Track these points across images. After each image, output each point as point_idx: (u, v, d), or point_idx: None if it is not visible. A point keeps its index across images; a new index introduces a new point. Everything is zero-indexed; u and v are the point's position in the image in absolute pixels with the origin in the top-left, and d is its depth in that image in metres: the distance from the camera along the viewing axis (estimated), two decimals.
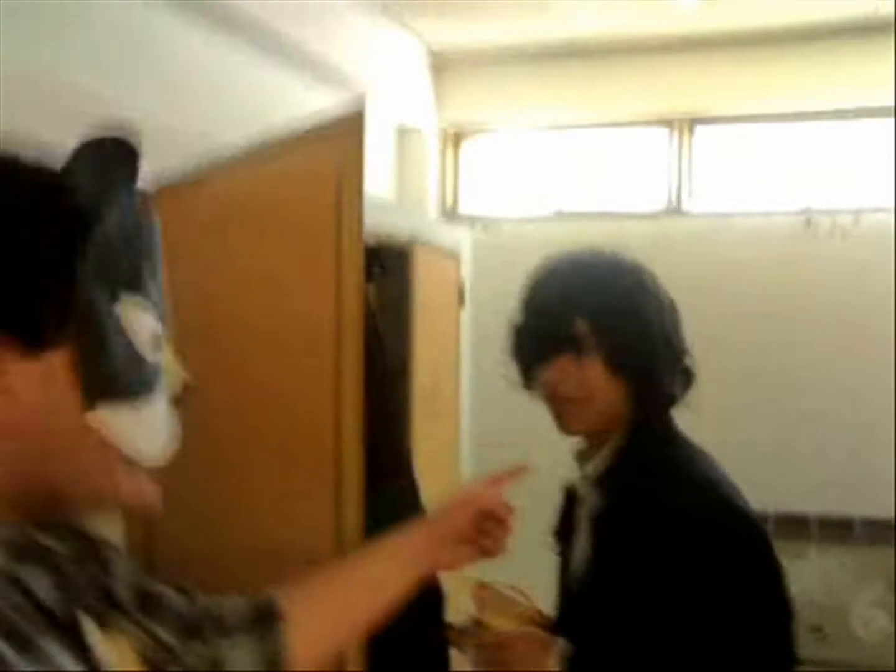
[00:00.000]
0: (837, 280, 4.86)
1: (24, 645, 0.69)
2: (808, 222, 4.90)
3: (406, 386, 3.93)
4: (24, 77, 2.54)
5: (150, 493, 0.81)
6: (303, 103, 3.71)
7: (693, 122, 5.22)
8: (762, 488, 2.10)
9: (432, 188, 5.44)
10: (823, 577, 4.51)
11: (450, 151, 5.60)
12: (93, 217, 0.75)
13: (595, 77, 5.21)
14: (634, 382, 1.47)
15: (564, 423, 1.53)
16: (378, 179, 5.05)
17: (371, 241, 3.83)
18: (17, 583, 0.73)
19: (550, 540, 1.68)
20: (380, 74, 4.77)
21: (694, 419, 1.58)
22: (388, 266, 2.85)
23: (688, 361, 1.55)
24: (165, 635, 1.02)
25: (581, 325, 1.46)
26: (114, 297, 0.76)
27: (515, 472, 1.33)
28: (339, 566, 1.27)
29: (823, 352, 4.86)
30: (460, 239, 5.08)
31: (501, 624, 1.53)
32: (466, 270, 4.97)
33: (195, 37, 3.47)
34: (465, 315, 4.92)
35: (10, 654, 0.66)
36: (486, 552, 1.26)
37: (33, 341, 0.72)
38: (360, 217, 1.96)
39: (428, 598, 1.49)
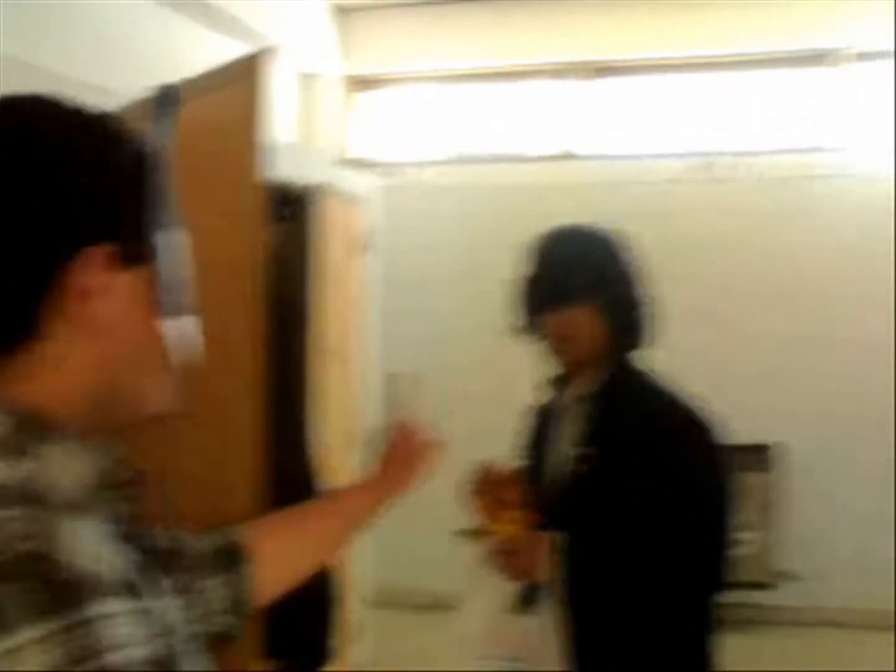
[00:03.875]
0: (734, 219, 5.03)
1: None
2: (706, 166, 5.03)
3: (310, 336, 3.92)
4: None
5: (175, 401, 0.90)
6: (206, 54, 3.65)
7: (595, 71, 5.29)
8: None
9: (336, 134, 5.41)
10: None
11: (354, 98, 5.56)
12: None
13: (498, 24, 5.24)
14: (620, 323, 1.85)
15: (562, 355, 1.89)
16: (282, 125, 4.98)
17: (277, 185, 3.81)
18: None
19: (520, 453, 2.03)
20: (283, 21, 4.70)
21: None
22: (296, 209, 2.80)
23: (651, 310, 1.91)
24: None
25: (582, 280, 1.81)
26: (172, 224, 0.87)
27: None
28: (296, 514, 1.34)
29: (715, 287, 5.03)
30: (363, 185, 5.06)
31: (504, 530, 1.75)
32: (371, 215, 4.96)
33: None
34: (369, 261, 4.92)
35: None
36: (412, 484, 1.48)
37: (132, 254, 0.81)
38: (261, 159, 1.98)
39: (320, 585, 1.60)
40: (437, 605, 4.42)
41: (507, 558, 1.75)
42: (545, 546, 1.73)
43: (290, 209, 3.89)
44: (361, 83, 5.56)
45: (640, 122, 5.30)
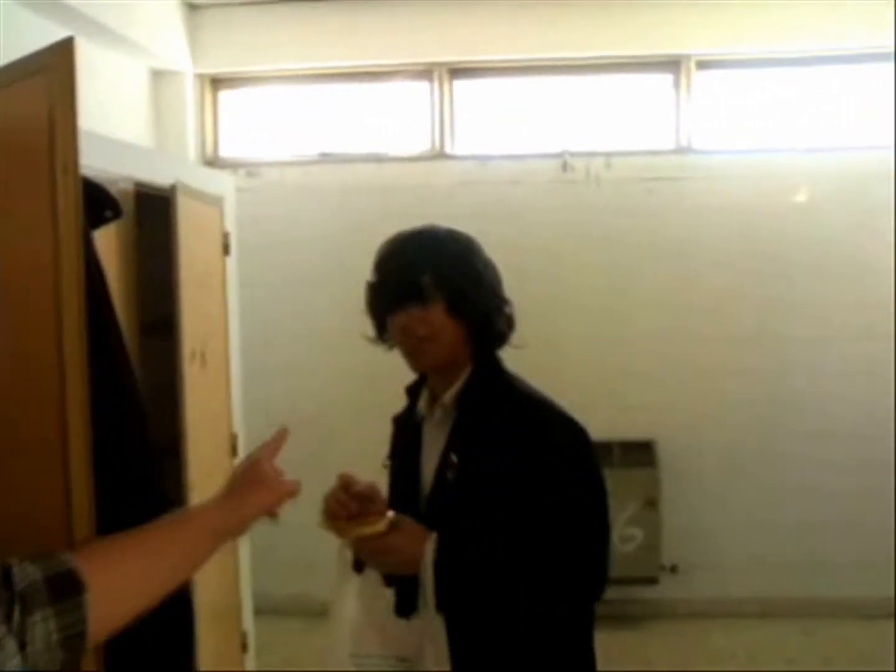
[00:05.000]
0: (591, 219, 5.12)
1: None
2: (564, 165, 5.10)
3: (174, 338, 3.79)
4: None
5: None
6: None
7: (453, 72, 5.30)
8: None
9: (192, 134, 5.27)
10: None
11: (210, 96, 5.43)
12: None
13: (356, 24, 5.18)
14: (471, 324, 1.84)
15: (417, 358, 1.87)
16: (135, 125, 4.83)
17: (126, 186, 3.66)
18: None
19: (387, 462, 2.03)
20: (132, 18, 4.54)
21: None
22: (123, 209, 2.61)
23: (508, 310, 1.91)
24: None
25: (425, 278, 1.80)
26: None
27: (281, 437, 1.54)
28: (137, 536, 1.23)
29: (577, 283, 5.11)
30: (223, 185, 4.94)
31: (363, 533, 1.73)
32: (230, 217, 4.84)
33: None
34: (232, 262, 4.80)
35: None
36: (269, 512, 1.44)
37: None
38: (75, 154, 1.82)
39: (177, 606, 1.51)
40: (324, 611, 4.37)
41: (383, 553, 1.74)
42: (421, 540, 1.72)
43: (145, 211, 3.76)
44: (221, 82, 5.43)
45: (502, 123, 5.34)
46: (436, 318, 1.81)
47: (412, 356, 1.88)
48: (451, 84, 5.30)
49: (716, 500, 5.17)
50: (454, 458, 1.81)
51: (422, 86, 5.33)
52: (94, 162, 3.42)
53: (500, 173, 5.19)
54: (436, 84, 5.29)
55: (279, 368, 5.15)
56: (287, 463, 1.50)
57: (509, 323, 1.91)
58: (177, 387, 3.65)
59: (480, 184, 5.15)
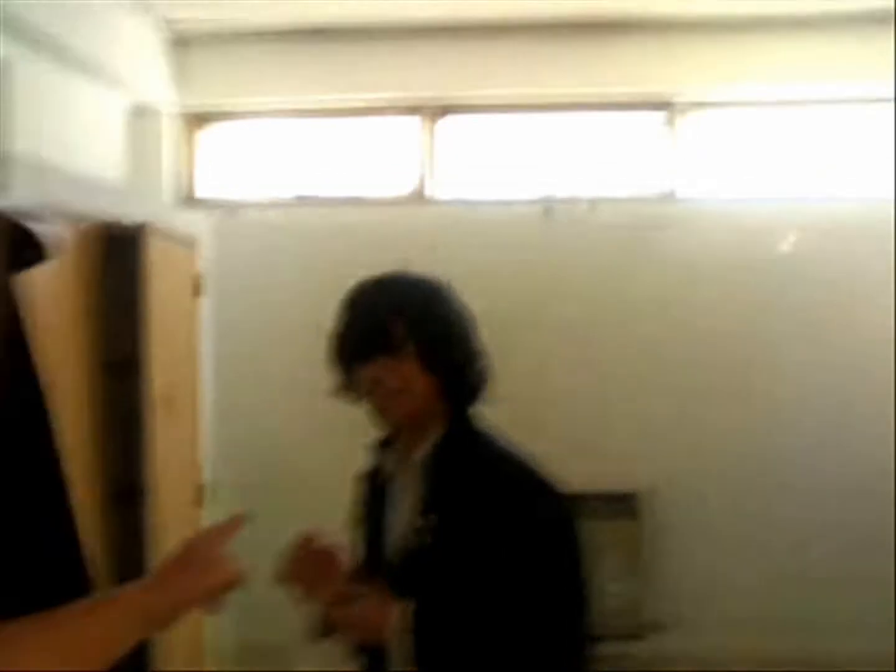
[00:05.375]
0: (574, 267, 5.01)
1: None
2: (547, 211, 5.01)
3: (139, 385, 3.65)
4: None
5: None
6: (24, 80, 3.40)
7: (441, 109, 5.21)
8: None
9: (169, 172, 5.15)
10: None
11: (189, 134, 5.32)
12: None
13: (342, 62, 5.09)
14: (444, 376, 1.74)
15: (387, 413, 1.77)
16: (108, 162, 4.71)
17: (92, 224, 3.53)
18: None
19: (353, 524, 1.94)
20: (112, 52, 4.44)
21: None
22: (51, 253, 2.43)
23: (482, 363, 1.81)
24: None
25: (396, 327, 1.71)
26: None
27: (235, 524, 1.30)
28: (45, 620, 1.08)
29: (558, 332, 4.99)
30: (199, 225, 4.83)
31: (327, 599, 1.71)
32: (205, 258, 4.72)
33: None
34: (205, 305, 4.67)
35: None
36: (205, 604, 1.23)
37: None
38: None
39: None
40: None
41: (352, 622, 1.69)
42: (391, 611, 1.66)
43: (114, 248, 3.63)
44: (199, 119, 5.32)
45: (487, 165, 5.25)
46: (408, 370, 1.72)
47: (382, 411, 1.78)
48: (436, 122, 5.21)
49: (704, 554, 5.02)
50: (424, 522, 1.73)
51: (408, 122, 5.24)
52: (60, 198, 3.31)
53: (482, 218, 5.09)
54: (423, 121, 5.20)
55: (255, 413, 4.99)
56: (262, 513, 1.36)
57: (482, 376, 1.81)
58: (139, 432, 3.53)
59: (463, 229, 5.03)
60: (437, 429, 1.77)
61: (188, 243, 4.38)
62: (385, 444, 1.89)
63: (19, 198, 2.94)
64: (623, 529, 4.76)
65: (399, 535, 1.79)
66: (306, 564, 1.74)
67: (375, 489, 1.91)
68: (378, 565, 1.79)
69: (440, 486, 1.74)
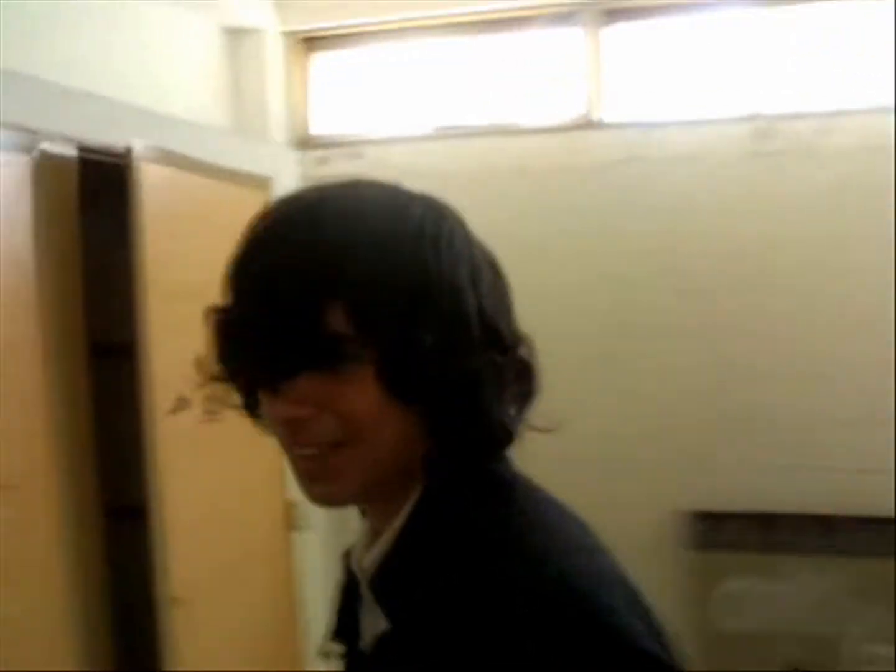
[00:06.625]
0: (803, 206, 3.77)
1: None
2: (759, 132, 3.79)
3: (135, 368, 2.89)
4: None
5: None
6: None
7: (606, 13, 4.04)
8: None
9: (278, 106, 4.23)
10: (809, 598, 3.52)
11: (299, 59, 4.35)
12: None
13: None
14: (430, 408, 0.90)
15: (317, 485, 0.94)
16: (205, 96, 3.89)
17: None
18: None
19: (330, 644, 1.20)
20: None
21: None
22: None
23: (524, 354, 0.96)
24: None
25: (335, 317, 0.85)
26: None
27: None
28: None
29: (792, 307, 3.81)
30: (274, 160, 3.98)
31: None
32: None
33: None
34: None
35: None
36: None
37: None
38: None
39: None
40: None
41: None
42: None
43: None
44: (310, 42, 4.37)
45: (671, 78, 4.06)
46: (359, 400, 0.89)
47: (309, 479, 0.95)
48: (600, 31, 4.05)
49: None
50: (386, 633, 1.03)
51: (564, 33, 4.10)
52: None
53: (668, 145, 3.92)
54: (585, 31, 4.06)
55: None
56: None
57: (526, 390, 0.97)
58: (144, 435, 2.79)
59: (643, 159, 3.90)
60: (412, 494, 0.98)
61: (253, 183, 3.59)
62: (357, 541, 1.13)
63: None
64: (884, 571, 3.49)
65: (363, 648, 1.12)
66: None
67: (348, 594, 1.16)
68: None
69: (403, 587, 0.97)
